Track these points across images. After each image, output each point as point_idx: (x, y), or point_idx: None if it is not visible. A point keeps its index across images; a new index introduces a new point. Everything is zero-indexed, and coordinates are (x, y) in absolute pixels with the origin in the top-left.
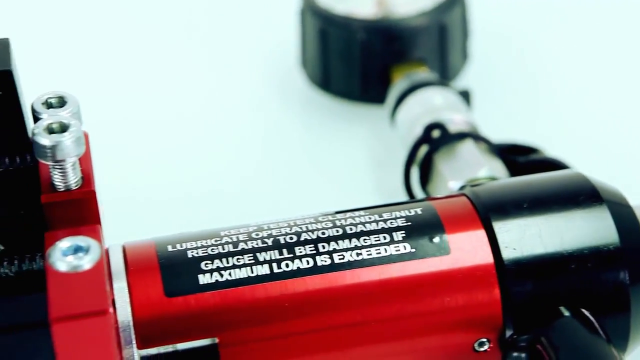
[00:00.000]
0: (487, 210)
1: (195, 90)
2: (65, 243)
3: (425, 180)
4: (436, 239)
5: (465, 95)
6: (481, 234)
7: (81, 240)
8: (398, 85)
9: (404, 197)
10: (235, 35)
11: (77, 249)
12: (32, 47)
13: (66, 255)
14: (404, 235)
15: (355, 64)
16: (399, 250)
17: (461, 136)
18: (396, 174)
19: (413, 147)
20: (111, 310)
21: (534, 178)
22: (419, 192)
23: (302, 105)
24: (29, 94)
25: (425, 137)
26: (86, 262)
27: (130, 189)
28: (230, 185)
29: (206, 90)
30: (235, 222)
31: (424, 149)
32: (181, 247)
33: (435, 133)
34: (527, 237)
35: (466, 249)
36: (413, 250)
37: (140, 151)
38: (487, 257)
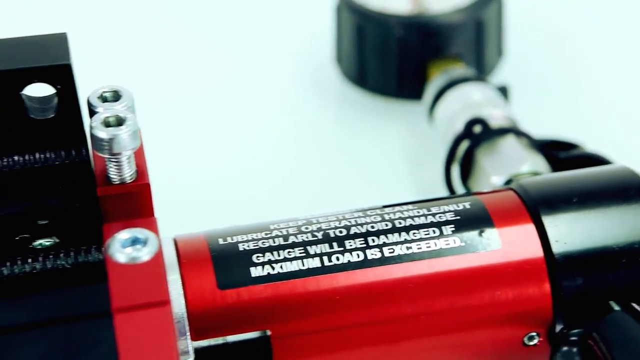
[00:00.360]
0: (536, 205)
1: (229, 87)
2: (124, 235)
3: (466, 175)
4: (486, 233)
5: (503, 91)
6: (530, 228)
7: (139, 233)
8: (436, 81)
9: (440, 193)
10: (269, 32)
11: (135, 241)
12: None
13: (125, 247)
14: (453, 229)
15: (392, 60)
16: (448, 244)
17: (503, 131)
18: (432, 170)
19: (454, 142)
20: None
21: (581, 173)
22: (458, 188)
23: (337, 101)
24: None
25: (467, 132)
26: (145, 254)
27: (164, 187)
28: (265, 183)
29: (241, 87)
30: (270, 219)
31: (464, 145)
32: (232, 240)
33: (477, 128)
34: (577, 231)
35: (516, 242)
36: (463, 244)
37: (174, 149)
38: (537, 251)
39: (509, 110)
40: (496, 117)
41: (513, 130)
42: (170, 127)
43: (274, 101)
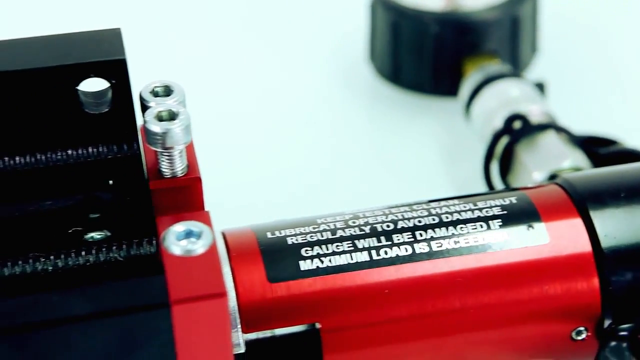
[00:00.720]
0: (584, 199)
1: (263, 85)
2: (179, 227)
3: (505, 171)
4: (533, 228)
5: (540, 87)
6: (578, 223)
7: (194, 226)
8: (472, 77)
9: (475, 189)
10: (301, 31)
11: (189, 234)
12: None
13: (180, 240)
14: (500, 223)
15: (427, 57)
16: (496, 238)
17: (543, 127)
18: (466, 167)
19: (493, 138)
20: None
21: (627, 168)
22: (497, 184)
23: (370, 98)
24: None
25: (506, 128)
26: (199, 247)
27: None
28: (299, 180)
29: (274, 86)
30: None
31: (503, 141)
32: (280, 234)
33: (517, 124)
34: (626, 226)
35: (564, 237)
36: (510, 238)
37: (205, 146)
38: (586, 246)
39: (547, 106)
40: (535, 113)
41: (553, 125)
42: (202, 125)
43: (307, 100)
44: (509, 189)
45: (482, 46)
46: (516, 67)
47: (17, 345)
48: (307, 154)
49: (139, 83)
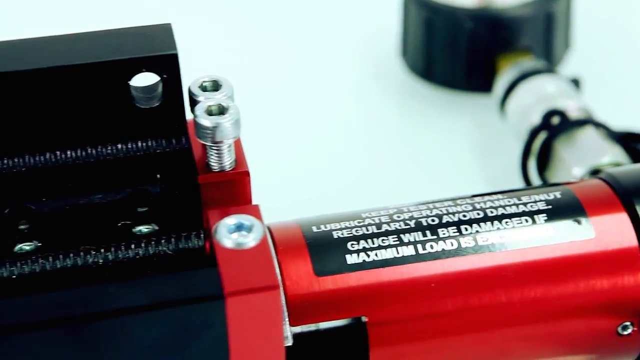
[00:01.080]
0: (629, 194)
1: (294, 81)
2: (230, 220)
3: (543, 167)
4: (579, 222)
5: (575, 83)
6: (624, 217)
7: (245, 219)
8: (507, 73)
9: (509, 186)
10: (332, 26)
11: (240, 227)
12: None
13: (231, 233)
14: (545, 218)
15: (461, 53)
16: (542, 233)
17: (582, 123)
18: (500, 163)
19: (531, 134)
20: None
21: None
22: (533, 180)
23: (402, 95)
24: None
25: (544, 124)
26: (250, 240)
27: None
28: (330, 177)
29: (305, 82)
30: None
31: (541, 137)
32: (326, 228)
33: (555, 120)
34: None
35: (610, 232)
36: (556, 233)
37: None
38: (632, 240)
39: (583, 101)
40: (572, 109)
41: (591, 121)
42: None
43: (339, 97)
44: (551, 184)
45: (516, 42)
46: (549, 63)
47: (75, 335)
48: (339, 151)
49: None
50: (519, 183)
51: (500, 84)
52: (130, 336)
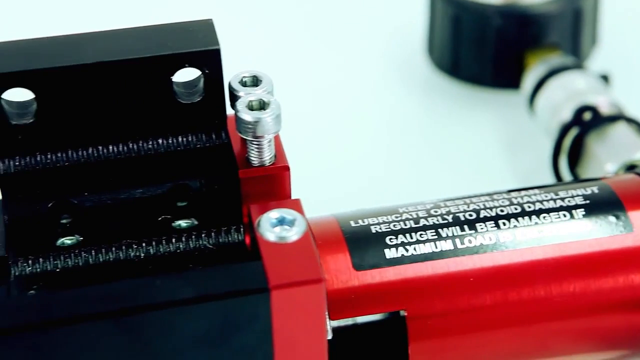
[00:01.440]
0: None
1: (319, 78)
2: (273, 214)
3: (574, 163)
4: (617, 217)
5: (604, 79)
6: None
7: (287, 213)
8: (535, 70)
9: (538, 182)
10: (357, 24)
11: (282, 221)
12: None
13: (274, 227)
14: (584, 213)
15: (489, 50)
16: (580, 228)
17: (614, 118)
18: (527, 160)
19: (562, 130)
20: None
21: None
22: (565, 176)
23: (427, 91)
24: None
25: (576, 120)
26: (293, 234)
27: None
28: (357, 173)
29: (330, 79)
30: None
31: (572, 133)
32: (363, 222)
33: (586, 115)
34: None
35: None
36: (594, 228)
37: None
38: None
39: (613, 97)
40: (603, 104)
41: (623, 117)
42: None
43: (365, 94)
44: (587, 179)
45: (544, 39)
46: (577, 59)
47: (123, 327)
48: (366, 148)
49: None
50: (548, 179)
51: (529, 80)
52: (176, 328)
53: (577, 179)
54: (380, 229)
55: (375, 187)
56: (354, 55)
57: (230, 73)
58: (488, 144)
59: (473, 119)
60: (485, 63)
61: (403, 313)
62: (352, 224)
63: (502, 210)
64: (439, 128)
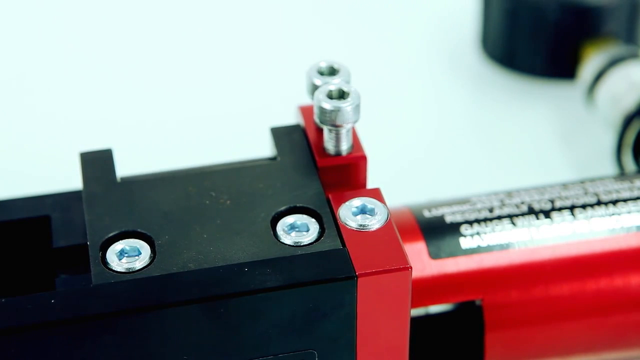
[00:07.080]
0: None
1: (369, 70)
2: (356, 202)
3: (639, 153)
4: None
5: None
6: None
7: (368, 202)
8: (594, 61)
9: (595, 174)
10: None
11: (363, 210)
12: None
13: (355, 215)
14: None
15: (546, 41)
16: None
17: None
18: (584, 152)
19: (625, 121)
20: None
21: None
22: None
23: (481, 83)
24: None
25: None
26: (375, 223)
27: None
28: (412, 165)
29: (381, 72)
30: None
31: (636, 124)
32: (437, 211)
33: None
34: None
35: None
36: None
37: None
38: None
39: None
40: None
41: None
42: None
43: (417, 86)
44: None
45: (601, 30)
46: (636, 48)
47: (212, 313)
48: (419, 140)
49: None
50: (605, 171)
51: (588, 71)
52: (264, 315)
53: None
54: (455, 218)
55: (429, 179)
56: (405, 49)
57: (293, 63)
58: (544, 135)
59: (528, 110)
60: (541, 54)
61: (479, 302)
62: (426, 213)
63: (577, 199)
64: (493, 119)
